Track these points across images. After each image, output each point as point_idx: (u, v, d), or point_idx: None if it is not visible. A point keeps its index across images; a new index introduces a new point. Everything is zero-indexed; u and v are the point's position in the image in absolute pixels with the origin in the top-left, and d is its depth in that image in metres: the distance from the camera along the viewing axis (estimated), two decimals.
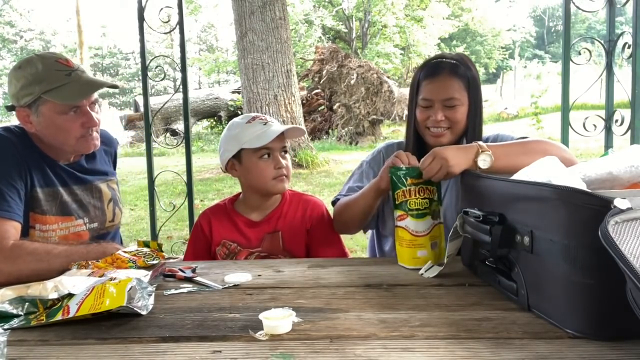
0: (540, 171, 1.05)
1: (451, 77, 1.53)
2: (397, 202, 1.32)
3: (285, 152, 1.63)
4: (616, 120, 2.16)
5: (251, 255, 1.59)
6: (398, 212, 1.32)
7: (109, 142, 1.72)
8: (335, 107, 11.09)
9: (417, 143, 1.61)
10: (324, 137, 10.96)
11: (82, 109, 1.46)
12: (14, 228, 1.35)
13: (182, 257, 1.69)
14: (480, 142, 1.32)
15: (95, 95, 1.51)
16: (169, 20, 2.32)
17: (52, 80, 1.42)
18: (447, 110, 1.52)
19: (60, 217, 1.49)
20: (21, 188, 1.41)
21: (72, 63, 1.48)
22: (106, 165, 1.69)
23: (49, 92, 1.41)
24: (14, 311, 1.03)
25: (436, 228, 1.32)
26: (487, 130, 1.66)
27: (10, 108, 1.49)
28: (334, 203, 1.67)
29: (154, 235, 2.50)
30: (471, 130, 1.56)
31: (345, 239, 1.71)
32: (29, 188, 1.44)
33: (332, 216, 1.65)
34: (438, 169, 1.26)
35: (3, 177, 1.39)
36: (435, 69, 1.55)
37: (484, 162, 1.29)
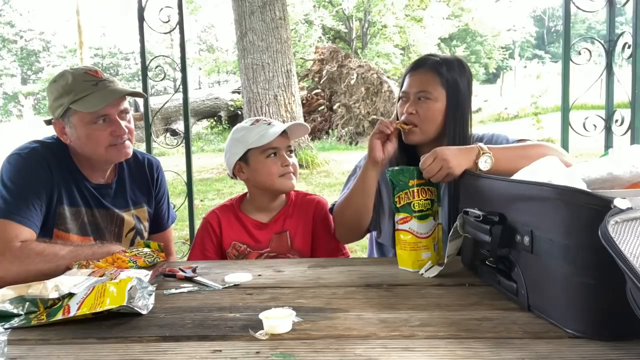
0: (540, 171, 1.05)
1: (429, 71, 1.51)
2: (398, 205, 1.29)
3: (291, 151, 1.65)
4: (616, 120, 2.16)
5: (261, 257, 1.60)
6: (400, 215, 1.29)
7: (148, 168, 1.66)
8: (335, 107, 11.08)
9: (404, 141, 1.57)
10: (324, 137, 10.95)
11: (111, 117, 1.46)
12: (29, 233, 1.37)
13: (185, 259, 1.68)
14: (481, 144, 1.32)
15: (126, 104, 1.51)
16: (169, 20, 2.32)
17: (79, 90, 1.44)
18: (419, 104, 1.50)
19: (81, 237, 1.51)
20: (44, 203, 1.43)
21: (102, 74, 1.49)
22: (138, 193, 1.64)
23: (76, 102, 1.43)
24: (15, 310, 1.03)
25: (437, 229, 1.31)
26: (484, 129, 1.65)
27: (48, 122, 1.52)
28: (331, 210, 1.64)
29: None
30: (450, 136, 1.50)
31: None
32: (56, 204, 1.46)
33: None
34: (438, 169, 1.25)
35: (32, 189, 1.41)
36: (417, 64, 1.56)
37: (485, 163, 1.29)
